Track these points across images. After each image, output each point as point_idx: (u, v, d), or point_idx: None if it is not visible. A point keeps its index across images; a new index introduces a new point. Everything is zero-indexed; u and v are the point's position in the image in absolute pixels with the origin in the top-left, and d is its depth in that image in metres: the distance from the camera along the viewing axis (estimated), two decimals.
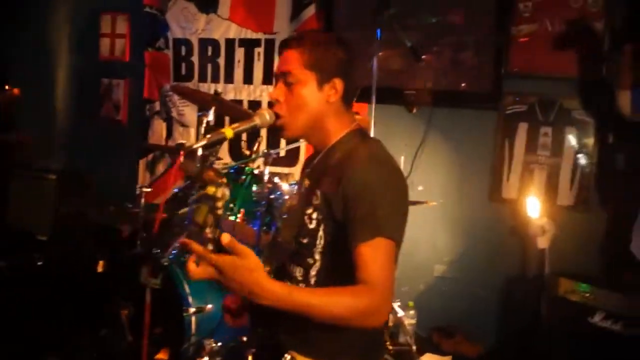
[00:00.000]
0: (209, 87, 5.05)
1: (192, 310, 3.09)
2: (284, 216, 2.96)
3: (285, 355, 1.86)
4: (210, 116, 3.45)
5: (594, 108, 4.10)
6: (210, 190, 1.43)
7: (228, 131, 1.78)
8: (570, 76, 4.13)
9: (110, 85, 5.58)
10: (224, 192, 1.43)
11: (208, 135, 1.77)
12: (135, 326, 3.15)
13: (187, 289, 3.14)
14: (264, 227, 3.23)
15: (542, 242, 3.87)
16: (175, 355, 3.10)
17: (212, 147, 1.79)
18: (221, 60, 5.08)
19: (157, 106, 5.36)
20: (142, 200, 3.94)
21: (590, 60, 4.06)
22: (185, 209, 2.93)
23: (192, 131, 5.20)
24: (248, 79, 4.98)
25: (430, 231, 4.50)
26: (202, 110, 3.50)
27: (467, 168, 4.45)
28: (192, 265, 1.51)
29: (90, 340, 3.38)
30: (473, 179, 4.44)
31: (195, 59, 5.18)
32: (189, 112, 5.19)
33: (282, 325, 1.91)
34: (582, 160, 4.15)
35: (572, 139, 4.18)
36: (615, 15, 3.88)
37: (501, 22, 4.22)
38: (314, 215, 1.81)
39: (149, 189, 4.08)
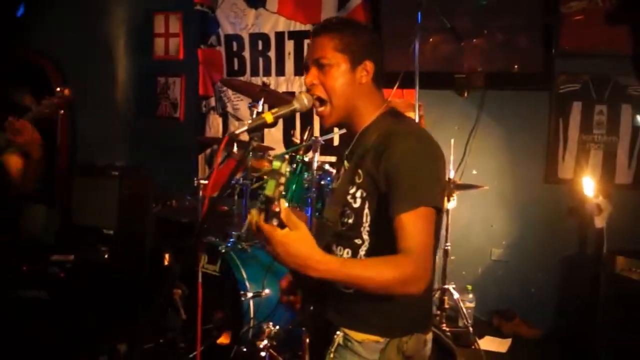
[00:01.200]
0: (261, 81, 5.14)
1: (249, 295, 3.20)
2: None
3: (337, 332, 1.91)
4: (260, 107, 3.57)
5: None
6: (276, 164, 1.49)
7: (268, 116, 1.82)
8: (623, 52, 4.04)
9: (167, 83, 5.75)
10: (286, 168, 1.50)
11: (249, 121, 1.84)
12: (191, 307, 3.30)
13: (244, 274, 3.25)
14: (316, 213, 3.30)
15: (599, 222, 3.80)
16: (236, 339, 3.22)
17: (254, 132, 1.85)
18: (272, 54, 5.17)
19: (213, 102, 5.51)
20: (200, 193, 4.09)
21: None
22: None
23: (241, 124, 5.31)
24: (299, 70, 5.06)
25: (486, 215, 4.49)
26: (253, 101, 3.60)
27: (521, 150, 4.41)
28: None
29: (153, 326, 3.53)
30: (528, 160, 4.40)
31: (246, 53, 5.30)
32: (244, 107, 5.30)
33: (331, 304, 1.96)
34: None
35: (628, 116, 4.09)
36: None
37: (550, 0, 4.15)
38: (358, 194, 1.86)
39: (205, 181, 4.22)
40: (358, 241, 1.88)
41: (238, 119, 5.38)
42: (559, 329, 4.19)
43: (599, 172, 4.11)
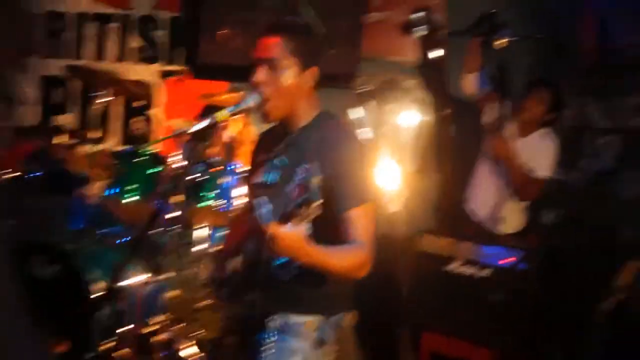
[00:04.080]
0: (57, 63, 4.87)
1: (101, 294, 3.12)
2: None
3: (273, 317, 2.08)
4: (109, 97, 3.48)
5: (432, 88, 4.76)
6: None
7: (223, 115, 1.95)
8: (412, 60, 4.74)
9: None
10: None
11: (208, 118, 1.94)
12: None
13: (93, 274, 3.15)
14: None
15: (395, 205, 4.38)
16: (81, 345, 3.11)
17: (210, 129, 1.95)
18: (70, 35, 4.91)
19: None
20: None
21: (431, 46, 4.70)
22: None
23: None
24: (100, 54, 4.90)
25: None
26: (97, 90, 3.47)
27: None
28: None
29: None
30: None
31: (40, 32, 4.95)
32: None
33: (266, 293, 2.10)
34: (422, 132, 4.81)
35: (414, 114, 4.80)
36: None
37: (356, 9, 4.68)
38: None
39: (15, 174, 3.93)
40: None
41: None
42: (365, 306, 4.73)
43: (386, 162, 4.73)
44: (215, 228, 3.70)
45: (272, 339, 2.07)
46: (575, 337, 3.33)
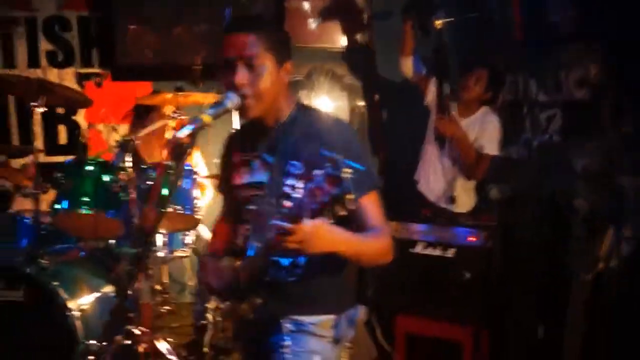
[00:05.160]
0: None
1: (76, 314, 2.89)
2: None
3: (285, 321, 1.96)
4: (42, 107, 3.15)
5: (361, 73, 4.75)
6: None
7: (206, 117, 1.80)
8: (338, 46, 4.71)
9: None
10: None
11: (189, 125, 1.77)
12: None
13: (64, 293, 2.89)
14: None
15: None
16: None
17: (195, 135, 1.80)
18: None
19: None
20: None
21: (355, 30, 4.68)
22: None
23: None
24: (9, 62, 4.47)
25: None
26: (29, 100, 3.13)
27: None
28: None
29: None
30: None
31: None
32: None
33: (272, 297, 1.95)
34: (355, 118, 4.79)
35: (345, 101, 4.77)
36: None
37: None
38: (299, 184, 1.94)
39: None
40: None
41: None
42: None
43: None
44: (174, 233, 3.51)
45: (287, 342, 1.96)
46: (555, 307, 3.42)
